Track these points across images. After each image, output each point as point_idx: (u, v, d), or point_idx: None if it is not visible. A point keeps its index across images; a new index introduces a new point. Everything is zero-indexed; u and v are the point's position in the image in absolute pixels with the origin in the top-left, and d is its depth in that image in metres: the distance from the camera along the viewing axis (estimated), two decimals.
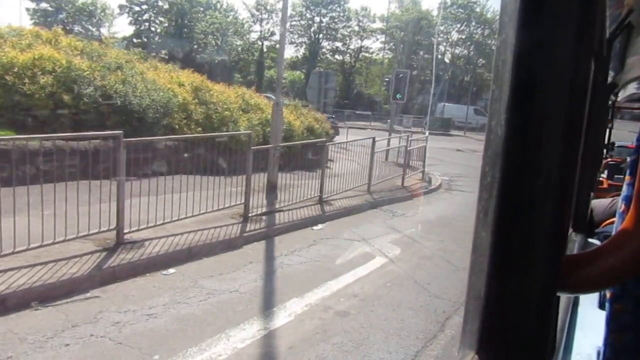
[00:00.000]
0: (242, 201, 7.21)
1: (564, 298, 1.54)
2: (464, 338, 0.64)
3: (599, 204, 2.96)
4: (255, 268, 5.54)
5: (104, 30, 49.10)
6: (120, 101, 9.19)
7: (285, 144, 9.39)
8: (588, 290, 0.92)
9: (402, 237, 7.53)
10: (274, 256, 6.05)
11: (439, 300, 5.08)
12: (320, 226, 7.76)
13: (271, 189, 9.35)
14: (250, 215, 7.24)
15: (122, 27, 79.11)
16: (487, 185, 0.60)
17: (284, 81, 49.50)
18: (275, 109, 9.35)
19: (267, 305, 4.58)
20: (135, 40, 47.21)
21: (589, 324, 1.67)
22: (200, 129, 10.40)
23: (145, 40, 47.56)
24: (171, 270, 5.17)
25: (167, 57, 42.25)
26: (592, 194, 2.86)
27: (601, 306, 1.77)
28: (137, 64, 11.75)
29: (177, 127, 10.06)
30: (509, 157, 0.56)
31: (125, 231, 5.43)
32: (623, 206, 0.90)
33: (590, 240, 2.52)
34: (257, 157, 9.74)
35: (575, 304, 1.81)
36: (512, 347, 0.60)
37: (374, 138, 10.66)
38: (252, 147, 7.15)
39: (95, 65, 9.50)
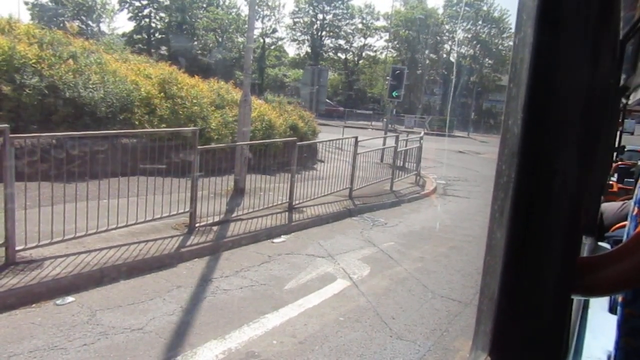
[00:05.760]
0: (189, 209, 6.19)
1: (575, 301, 1.50)
2: (477, 339, 0.64)
3: (609, 207, 2.80)
4: (181, 295, 4.52)
5: (103, 26, 48.50)
6: (69, 93, 8.22)
7: (249, 142, 8.35)
8: (603, 293, 0.89)
9: (376, 252, 6.47)
10: (211, 278, 5.02)
11: (401, 342, 4.02)
12: (282, 238, 6.72)
13: (237, 194, 8.36)
14: (197, 225, 6.22)
15: (123, 22, 78.33)
16: (503, 184, 0.60)
17: (287, 80, 48.92)
18: (242, 105, 8.35)
19: (172, 351, 3.55)
20: (135, 36, 46.46)
21: (600, 327, 1.62)
22: (164, 125, 9.41)
23: (146, 36, 46.78)
24: (69, 299, 4.16)
25: (167, 53, 41.48)
26: (602, 197, 2.81)
27: (612, 310, 1.73)
28: (104, 55, 10.79)
29: (137, 122, 9.07)
30: (526, 156, 0.56)
31: (20, 247, 4.43)
32: (637, 209, 0.91)
33: (600, 243, 2.48)
34: (223, 157, 8.77)
35: (585, 307, 1.78)
36: (525, 349, 0.60)
37: (356, 137, 9.59)
38: (199, 147, 6.12)
39: (44, 54, 8.52)
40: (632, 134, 9.84)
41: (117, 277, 4.69)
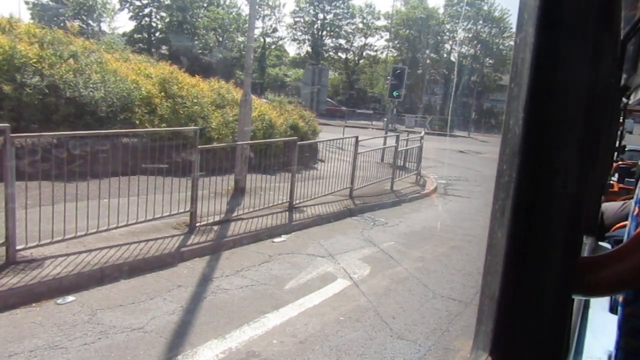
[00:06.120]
0: (189, 208, 6.19)
1: (575, 301, 1.52)
2: (478, 339, 0.64)
3: (609, 207, 2.85)
4: (181, 294, 4.52)
5: (104, 26, 48.49)
6: (70, 93, 8.22)
7: (250, 141, 8.35)
8: (604, 293, 0.88)
9: (377, 252, 6.47)
10: (212, 278, 5.02)
11: (401, 342, 4.02)
12: (283, 238, 6.72)
13: (238, 193, 8.36)
14: (198, 224, 6.22)
15: (123, 22, 78.20)
16: (504, 184, 0.60)
17: (288, 80, 48.92)
18: (243, 105, 8.35)
19: (173, 351, 3.55)
20: (136, 35, 46.46)
21: (600, 327, 1.63)
22: (165, 124, 9.41)
23: (146, 35, 46.79)
24: (70, 298, 4.16)
25: (167, 52, 41.47)
26: (602, 197, 2.83)
27: (612, 310, 1.74)
28: (104, 54, 10.79)
29: (138, 122, 9.07)
30: (527, 156, 0.56)
31: (21, 247, 4.43)
32: (637, 209, 0.91)
33: (600, 243, 2.49)
34: (224, 157, 8.77)
35: (585, 307, 1.78)
36: (526, 349, 0.60)
37: (357, 137, 9.58)
38: (199, 146, 6.12)
39: (45, 53, 8.53)
40: (631, 133, 9.84)
41: (118, 276, 4.69)
